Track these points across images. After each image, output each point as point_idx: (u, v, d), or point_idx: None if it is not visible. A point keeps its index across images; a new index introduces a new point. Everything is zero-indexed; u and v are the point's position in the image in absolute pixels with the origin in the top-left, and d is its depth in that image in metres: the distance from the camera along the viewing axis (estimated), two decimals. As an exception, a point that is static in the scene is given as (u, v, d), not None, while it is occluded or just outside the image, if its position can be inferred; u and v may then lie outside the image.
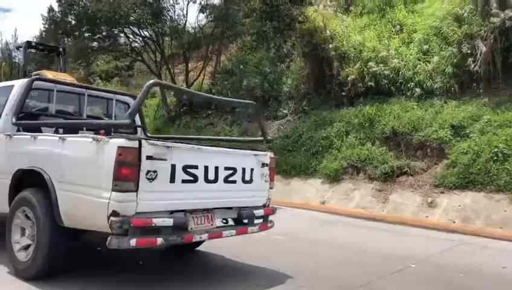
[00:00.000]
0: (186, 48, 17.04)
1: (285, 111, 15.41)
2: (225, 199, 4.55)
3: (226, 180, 4.46)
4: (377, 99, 13.31)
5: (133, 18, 14.99)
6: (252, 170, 4.80)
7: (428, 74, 12.63)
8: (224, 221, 4.63)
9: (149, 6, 15.31)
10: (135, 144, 3.65)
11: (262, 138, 5.50)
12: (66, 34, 17.86)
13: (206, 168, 4.23)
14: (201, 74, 17.69)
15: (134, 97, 6.38)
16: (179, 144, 4.12)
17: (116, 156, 3.59)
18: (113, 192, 3.59)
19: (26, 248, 4.40)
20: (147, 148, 3.72)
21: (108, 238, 3.58)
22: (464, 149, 10.61)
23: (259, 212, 4.90)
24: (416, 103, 12.52)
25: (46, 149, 4.34)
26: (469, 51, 11.76)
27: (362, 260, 6.16)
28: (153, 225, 3.71)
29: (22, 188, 4.53)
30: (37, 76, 5.51)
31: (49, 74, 14.95)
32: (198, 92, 4.98)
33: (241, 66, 16.91)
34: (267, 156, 5.09)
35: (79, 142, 4.12)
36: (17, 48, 18.75)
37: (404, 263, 5.93)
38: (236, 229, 4.60)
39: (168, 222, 3.82)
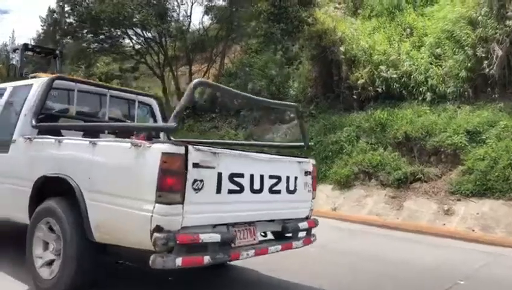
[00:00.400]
0: (190, 49, 16.65)
1: (292, 115, 15.12)
2: (269, 210, 4.16)
3: (270, 190, 4.07)
4: (388, 103, 13.07)
5: (137, 19, 14.58)
6: (295, 178, 4.41)
7: (441, 78, 12.40)
8: (263, 234, 4.28)
9: (154, 7, 14.94)
10: (181, 149, 3.27)
11: (302, 143, 5.12)
12: (67, 34, 17.43)
13: (251, 176, 3.85)
14: (205, 77, 17.36)
15: (156, 98, 6.02)
16: (226, 150, 3.76)
17: (160, 163, 3.21)
18: (157, 204, 3.20)
19: (50, 263, 4.00)
20: (194, 155, 3.34)
21: (152, 257, 3.19)
22: (480, 155, 10.39)
23: (304, 225, 4.53)
24: (428, 108, 12.30)
25: (73, 154, 3.95)
26: (484, 55, 11.56)
27: (404, 275, 5.86)
28: (200, 241, 3.35)
29: (45, 197, 4.12)
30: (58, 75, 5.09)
31: (45, 76, 14.64)
32: (243, 93, 4.58)
33: (247, 69, 16.61)
34: (310, 164, 4.72)
35: (114, 148, 3.70)
36: (14, 50, 18.43)
37: (451, 280, 5.58)
38: (282, 245, 4.23)
39: (215, 237, 3.46)
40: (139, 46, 17.59)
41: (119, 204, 3.44)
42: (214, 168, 3.47)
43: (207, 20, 17.27)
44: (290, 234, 4.40)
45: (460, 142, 10.90)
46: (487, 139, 10.62)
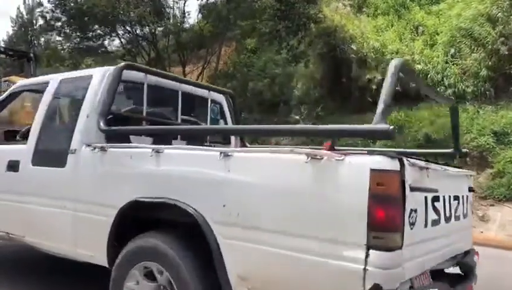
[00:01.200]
0: (184, 47, 15.55)
1: (296, 117, 14.36)
2: (451, 245, 3.06)
3: (455, 217, 3.01)
4: (403, 104, 12.44)
5: (133, 15, 13.44)
6: (467, 198, 3.36)
7: (459, 78, 11.89)
8: None
9: (149, 3, 13.81)
10: (396, 164, 2.21)
11: (452, 150, 4.03)
12: (47, 31, 15.97)
13: (443, 199, 2.81)
14: (199, 77, 16.40)
15: (228, 94, 4.95)
16: (432, 163, 2.71)
17: (370, 185, 2.13)
18: (372, 250, 2.11)
19: None
20: (409, 172, 2.28)
21: None
22: (511, 158, 9.89)
23: (475, 259, 3.42)
24: (447, 108, 11.73)
25: (190, 171, 2.76)
26: (506, 53, 11.10)
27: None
28: None
29: (134, 230, 2.98)
30: (128, 63, 3.93)
31: (19, 80, 13.48)
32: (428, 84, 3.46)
33: (245, 69, 15.74)
34: (471, 177, 3.66)
35: (273, 161, 2.50)
36: (-14, 53, 17.26)
37: None
38: (466, 287, 3.16)
39: None
40: (130, 46, 16.30)
41: (289, 247, 2.31)
42: (435, 191, 2.47)
43: (202, 18, 16.22)
44: (463, 273, 3.29)
45: (487, 144, 10.39)
46: (516, 140, 10.16)
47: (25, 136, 4.45)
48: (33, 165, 3.74)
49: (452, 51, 12.24)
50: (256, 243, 2.43)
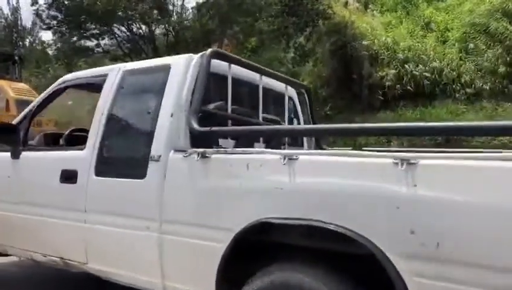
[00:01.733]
0: (186, 42, 14.79)
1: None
2: None
3: None
4: (417, 102, 12.14)
5: (132, 12, 12.76)
6: None
7: (475, 75, 11.64)
8: None
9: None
10: None
11: None
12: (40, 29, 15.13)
13: None
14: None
15: (303, 88, 4.32)
16: None
17: None
18: None
19: None
20: None
21: None
22: (534, 157, 9.63)
23: None
24: (465, 106, 11.46)
25: (348, 185, 2.04)
26: (525, 49, 10.89)
27: None
28: None
29: (249, 260, 2.33)
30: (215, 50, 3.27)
31: (5, 83, 12.80)
32: None
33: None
34: None
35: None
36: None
37: None
38: None
39: None
40: (129, 45, 15.50)
41: None
42: None
43: (200, 16, 15.55)
44: None
45: (510, 142, 10.11)
46: (541, 139, 9.89)
47: (69, 141, 3.84)
48: (97, 175, 3.04)
49: (471, 46, 11.92)
50: (471, 286, 1.73)
